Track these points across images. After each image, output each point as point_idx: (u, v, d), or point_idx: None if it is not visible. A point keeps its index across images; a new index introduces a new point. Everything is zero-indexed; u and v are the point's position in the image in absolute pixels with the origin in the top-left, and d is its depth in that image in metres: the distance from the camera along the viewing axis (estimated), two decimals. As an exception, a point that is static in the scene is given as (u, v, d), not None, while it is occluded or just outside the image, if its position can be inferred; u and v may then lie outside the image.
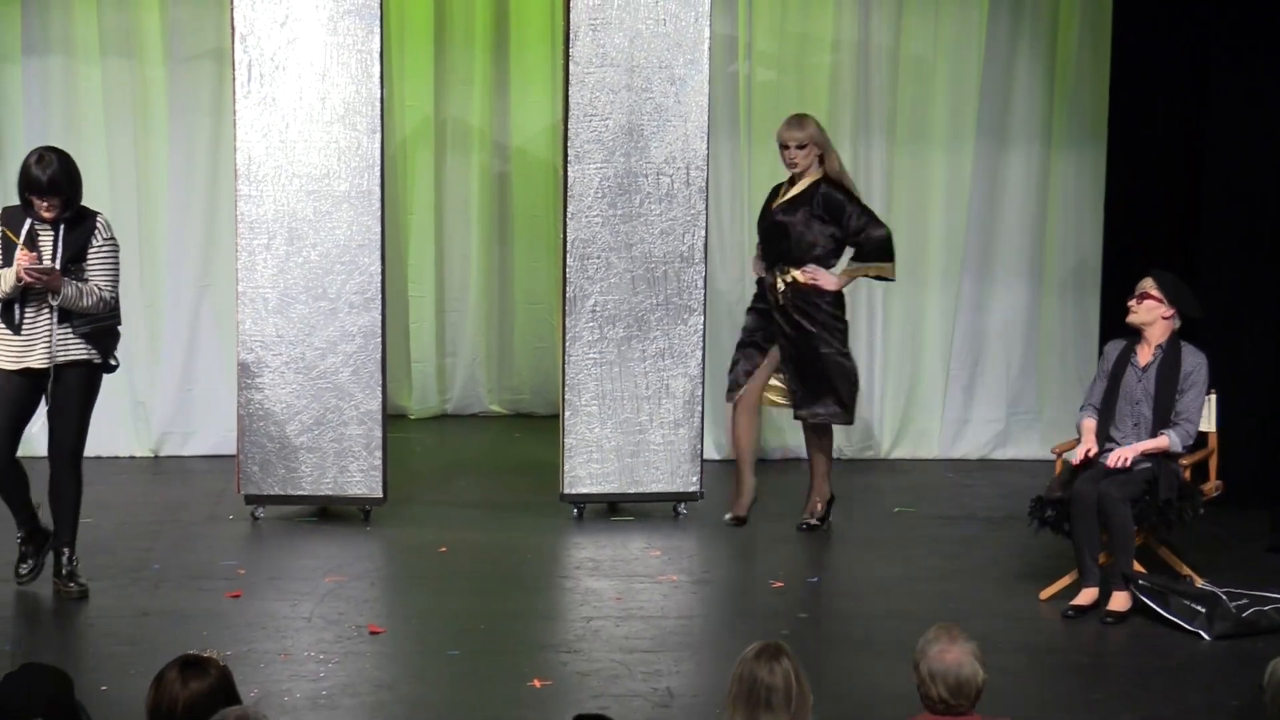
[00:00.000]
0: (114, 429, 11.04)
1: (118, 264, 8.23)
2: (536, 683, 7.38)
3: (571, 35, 9.47)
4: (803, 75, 11.18)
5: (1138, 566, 8.35)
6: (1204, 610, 8.06)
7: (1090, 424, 8.52)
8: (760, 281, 9.58)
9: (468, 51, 11.40)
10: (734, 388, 9.68)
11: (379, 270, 9.38)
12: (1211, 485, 8.62)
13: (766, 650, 5.31)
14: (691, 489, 9.78)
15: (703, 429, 9.87)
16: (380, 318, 9.55)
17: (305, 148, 9.45)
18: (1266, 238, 9.96)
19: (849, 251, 9.48)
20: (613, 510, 9.87)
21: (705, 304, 9.77)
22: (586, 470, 9.69)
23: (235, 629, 8.03)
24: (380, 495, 9.61)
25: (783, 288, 9.33)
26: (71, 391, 8.16)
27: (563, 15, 9.69)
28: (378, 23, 9.39)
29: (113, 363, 8.32)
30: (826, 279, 9.31)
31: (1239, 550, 9.17)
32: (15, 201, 8.20)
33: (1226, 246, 10.13)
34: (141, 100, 10.99)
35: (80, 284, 8.02)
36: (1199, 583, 8.41)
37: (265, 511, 9.67)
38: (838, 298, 9.41)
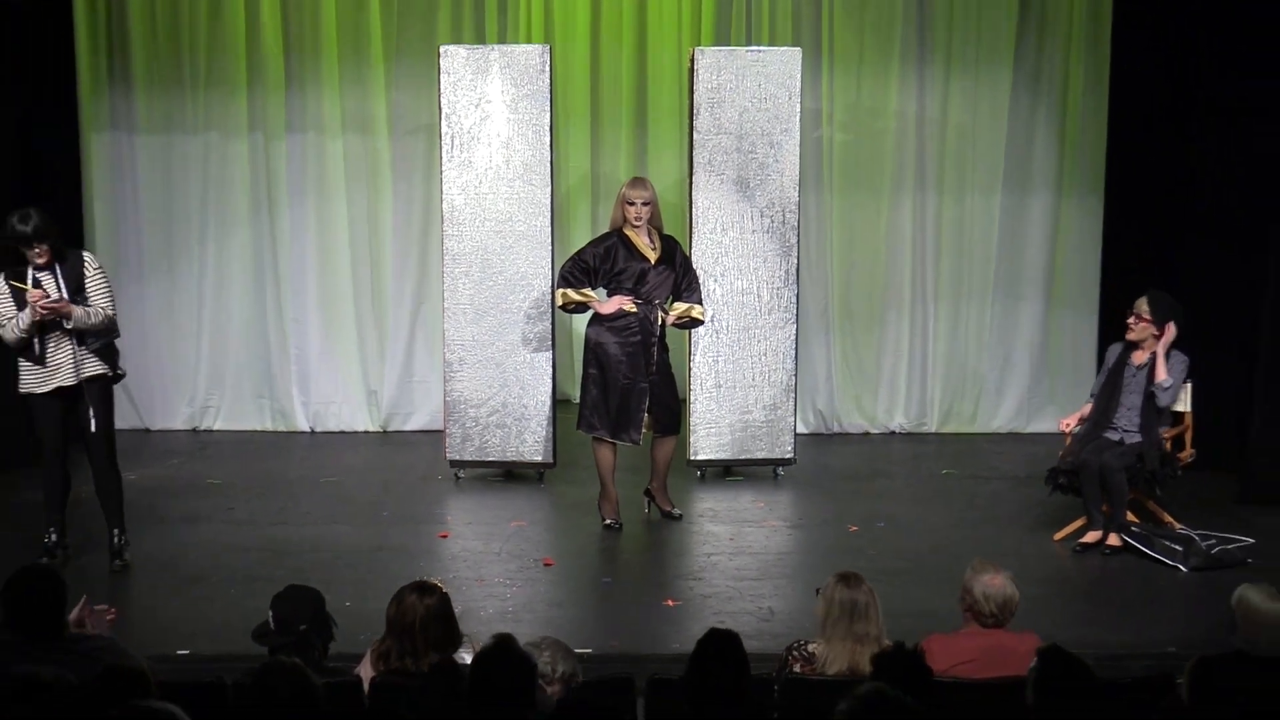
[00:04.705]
0: (353, 411, 11.22)
1: (110, 287, 7.70)
2: (670, 602, 7.44)
3: (695, 110, 9.50)
4: (872, 139, 11.10)
5: (1131, 516, 8.30)
6: (1181, 549, 8.00)
7: (1085, 408, 8.59)
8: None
9: (615, 124, 11.40)
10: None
11: (548, 291, 9.42)
12: (1187, 454, 8.53)
13: (851, 577, 5.34)
14: (787, 455, 9.76)
15: (795, 410, 9.86)
16: (550, 327, 9.61)
17: (494, 198, 9.52)
18: (1230, 264, 9.81)
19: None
20: (727, 472, 9.86)
21: (797, 315, 9.76)
22: (707, 442, 9.71)
23: (444, 561, 8.14)
24: (551, 461, 9.68)
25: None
26: (98, 403, 7.63)
27: (688, 96, 9.73)
28: (548, 103, 9.46)
29: (120, 371, 7.79)
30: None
31: (1210, 503, 9.03)
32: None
33: (1199, 271, 9.96)
34: (372, 165, 11.09)
35: (86, 307, 7.54)
36: (1178, 528, 8.33)
37: (465, 473, 9.74)
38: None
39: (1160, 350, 8.30)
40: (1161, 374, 8.27)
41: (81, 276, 7.61)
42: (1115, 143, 10.81)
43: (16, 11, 10.00)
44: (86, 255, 7.79)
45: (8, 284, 7.57)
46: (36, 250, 7.48)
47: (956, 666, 5.25)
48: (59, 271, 7.56)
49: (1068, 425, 8.66)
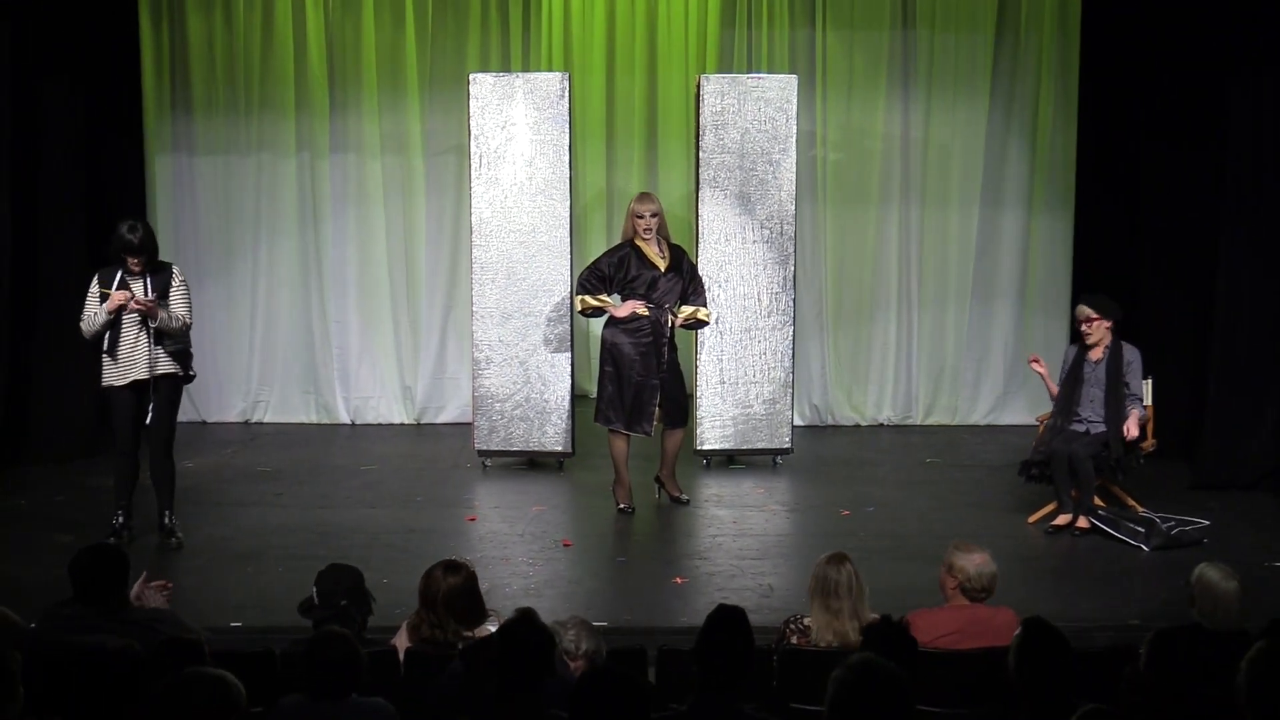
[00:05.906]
0: (390, 405, 11.21)
1: (190, 300, 7.82)
2: (678, 580, 7.44)
3: (701, 131, 9.49)
4: (862, 158, 11.07)
5: (1097, 501, 8.27)
6: (1144, 531, 7.98)
7: (1053, 389, 8.58)
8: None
9: (628, 143, 11.38)
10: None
11: (568, 296, 9.41)
12: (1149, 443, 8.50)
13: (835, 557, 5.35)
14: (785, 446, 9.73)
15: (792, 404, 9.83)
16: (569, 329, 9.59)
17: (518, 212, 9.51)
18: (1185, 270, 9.80)
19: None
20: (730, 460, 9.82)
21: (794, 317, 9.74)
22: (712, 433, 9.69)
23: (472, 541, 8.12)
24: (570, 450, 9.66)
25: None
26: (165, 398, 7.72)
27: (695, 118, 9.72)
28: (567, 125, 9.45)
29: (192, 374, 7.88)
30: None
31: (1169, 488, 9.01)
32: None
33: (1158, 278, 9.97)
34: (408, 182, 11.08)
35: (170, 312, 7.67)
36: (1140, 511, 8.31)
37: (491, 461, 9.72)
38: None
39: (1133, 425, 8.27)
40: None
41: (168, 286, 7.74)
42: (1084, 162, 10.78)
43: (87, 44, 10.02)
44: (175, 268, 7.90)
45: (99, 287, 7.69)
46: (135, 260, 7.62)
47: (939, 638, 5.24)
48: (148, 279, 7.68)
49: (1042, 419, 8.65)
